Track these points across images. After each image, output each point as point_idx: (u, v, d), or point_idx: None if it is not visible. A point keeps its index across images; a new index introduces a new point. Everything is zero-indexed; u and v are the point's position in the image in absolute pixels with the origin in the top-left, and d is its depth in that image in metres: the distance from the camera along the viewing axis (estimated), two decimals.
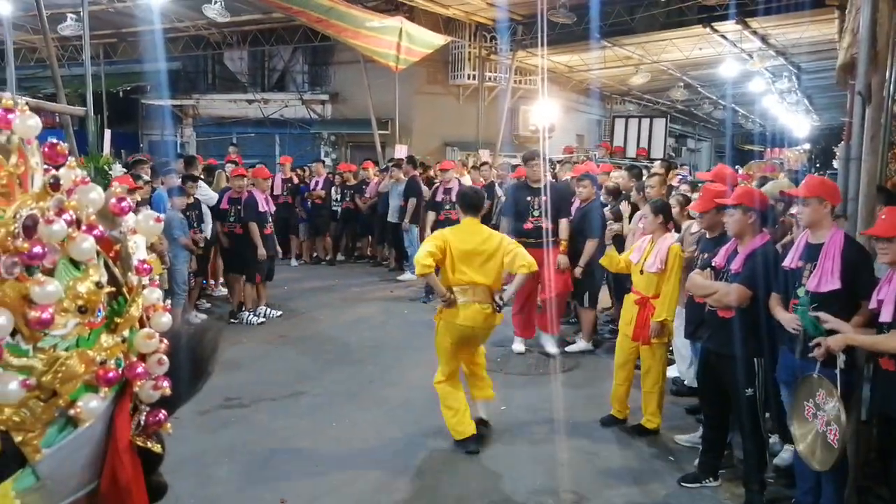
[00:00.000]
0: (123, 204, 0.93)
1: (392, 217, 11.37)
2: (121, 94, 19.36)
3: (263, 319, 8.39)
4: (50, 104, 8.95)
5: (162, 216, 0.99)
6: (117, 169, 8.65)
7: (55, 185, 0.83)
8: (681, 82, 21.94)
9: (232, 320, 8.34)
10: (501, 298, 4.86)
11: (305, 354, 7.18)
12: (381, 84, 15.20)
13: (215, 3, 14.18)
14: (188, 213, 7.86)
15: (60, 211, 0.81)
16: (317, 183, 12.60)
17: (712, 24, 14.18)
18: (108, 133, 10.22)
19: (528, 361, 7.10)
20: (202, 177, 9.47)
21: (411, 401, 5.90)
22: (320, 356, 7.11)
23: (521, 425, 5.44)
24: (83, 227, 0.85)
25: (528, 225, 7.07)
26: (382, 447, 4.99)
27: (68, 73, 15.14)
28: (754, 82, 20.78)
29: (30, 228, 0.77)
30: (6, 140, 0.81)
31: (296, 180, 12.84)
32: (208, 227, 8.22)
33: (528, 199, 7.17)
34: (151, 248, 4.83)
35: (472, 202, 5.03)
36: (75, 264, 0.83)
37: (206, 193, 8.35)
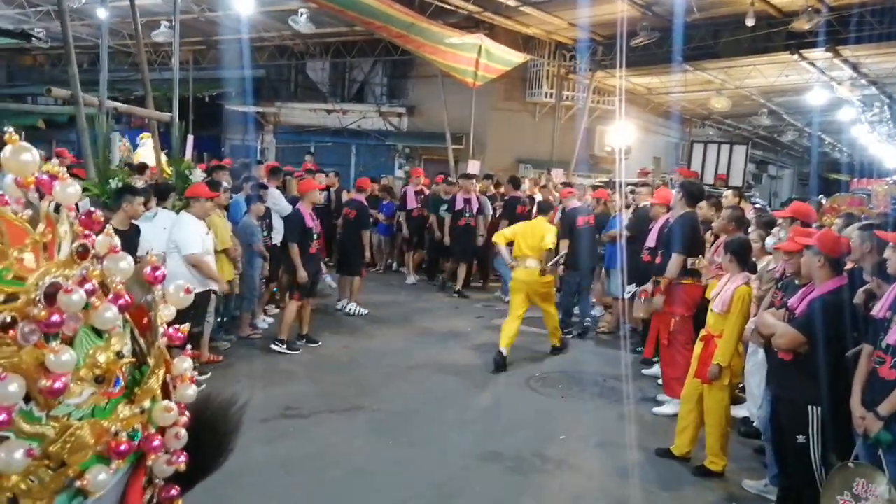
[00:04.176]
0: (157, 273, 0.92)
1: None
2: (206, 99, 20.09)
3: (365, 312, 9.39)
4: (139, 109, 9.34)
5: (191, 286, 0.99)
6: (197, 174, 8.94)
7: (83, 253, 0.84)
8: (764, 108, 21.30)
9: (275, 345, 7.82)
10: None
11: (367, 368, 7.20)
12: (457, 99, 15.27)
13: (301, 14, 14.58)
14: (259, 221, 8.01)
15: (83, 280, 0.81)
16: (466, 202, 10.91)
17: (801, 51, 13.71)
18: (190, 138, 10.59)
19: (594, 390, 6.96)
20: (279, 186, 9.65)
21: (470, 422, 5.87)
22: (381, 370, 7.13)
23: (579, 456, 5.32)
24: (110, 296, 0.84)
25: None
26: (439, 469, 4.96)
27: (159, 76, 15.81)
28: (843, 111, 19.98)
29: (51, 297, 0.77)
30: (48, 205, 0.83)
31: (426, 192, 12.13)
32: (278, 235, 8.30)
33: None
34: (226, 252, 4.95)
35: (543, 207, 8.25)
36: (98, 333, 0.83)
37: (278, 203, 8.46)
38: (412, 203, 11.90)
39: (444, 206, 11.21)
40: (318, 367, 7.13)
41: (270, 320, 8.73)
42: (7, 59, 25.28)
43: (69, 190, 0.85)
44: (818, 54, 14.00)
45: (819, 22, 11.74)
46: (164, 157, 9.18)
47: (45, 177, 0.84)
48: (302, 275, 7.58)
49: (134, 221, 6.07)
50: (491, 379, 7.09)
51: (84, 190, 7.41)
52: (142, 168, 9.42)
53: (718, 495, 4.81)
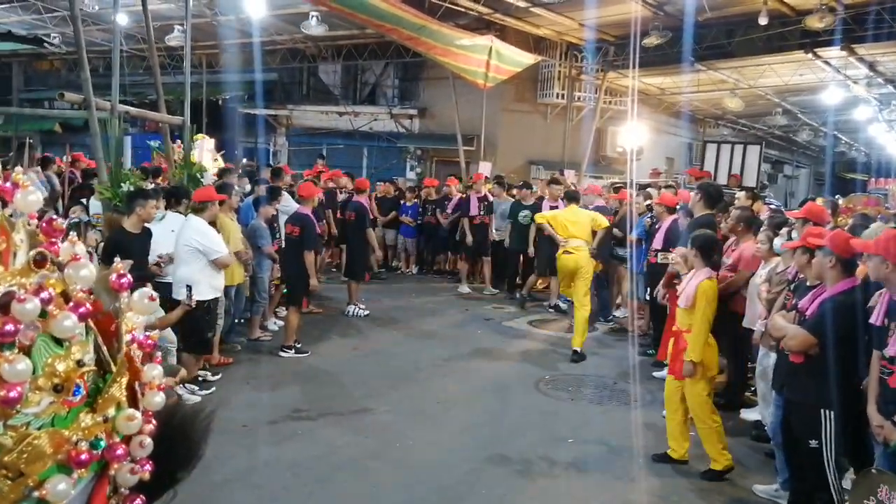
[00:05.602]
0: (123, 280, 0.90)
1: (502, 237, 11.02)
2: (220, 102, 20.20)
3: (368, 312, 9.46)
4: (150, 113, 9.40)
5: (155, 294, 0.97)
6: (209, 176, 8.99)
7: (40, 261, 0.82)
8: (779, 108, 21.14)
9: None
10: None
11: (375, 369, 7.21)
12: (468, 100, 15.26)
13: (312, 18, 14.64)
14: (270, 224, 8.04)
15: (40, 289, 0.79)
16: (552, 210, 9.65)
17: (815, 49, 13.57)
18: (211, 141, 10.67)
19: (604, 393, 6.92)
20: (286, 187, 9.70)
21: (477, 425, 5.85)
22: (389, 372, 7.13)
23: (588, 460, 5.28)
24: (70, 304, 0.83)
25: None
26: (445, 472, 4.95)
27: (173, 80, 15.92)
28: (859, 110, 19.78)
29: (5, 306, 0.76)
30: (10, 214, 0.81)
31: (490, 197, 11.57)
32: None
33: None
34: (236, 255, 4.93)
35: (572, 196, 8.67)
36: (58, 341, 0.81)
37: (288, 205, 8.51)
38: (475, 210, 11.42)
39: (525, 213, 10.62)
40: (327, 369, 7.14)
41: (281, 323, 8.74)
42: (25, 64, 25.58)
43: (30, 198, 0.84)
44: (833, 53, 13.87)
45: (833, 21, 11.63)
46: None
47: (7, 184, 0.83)
48: (314, 283, 7.63)
49: (146, 225, 6.11)
50: (499, 381, 7.07)
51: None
52: (156, 172, 9.49)
53: (728, 499, 4.76)
